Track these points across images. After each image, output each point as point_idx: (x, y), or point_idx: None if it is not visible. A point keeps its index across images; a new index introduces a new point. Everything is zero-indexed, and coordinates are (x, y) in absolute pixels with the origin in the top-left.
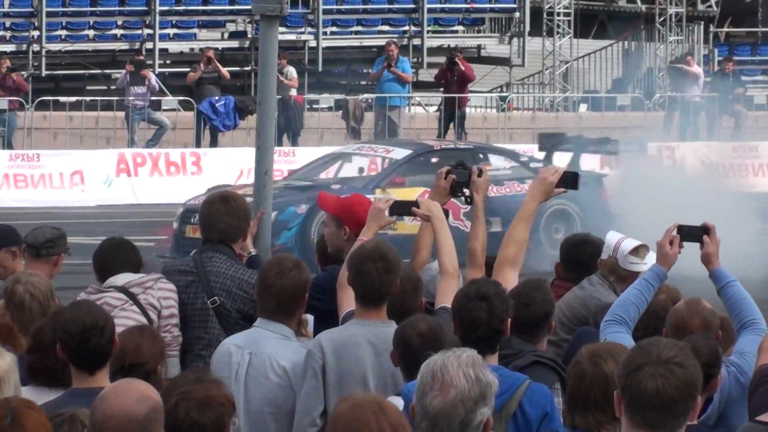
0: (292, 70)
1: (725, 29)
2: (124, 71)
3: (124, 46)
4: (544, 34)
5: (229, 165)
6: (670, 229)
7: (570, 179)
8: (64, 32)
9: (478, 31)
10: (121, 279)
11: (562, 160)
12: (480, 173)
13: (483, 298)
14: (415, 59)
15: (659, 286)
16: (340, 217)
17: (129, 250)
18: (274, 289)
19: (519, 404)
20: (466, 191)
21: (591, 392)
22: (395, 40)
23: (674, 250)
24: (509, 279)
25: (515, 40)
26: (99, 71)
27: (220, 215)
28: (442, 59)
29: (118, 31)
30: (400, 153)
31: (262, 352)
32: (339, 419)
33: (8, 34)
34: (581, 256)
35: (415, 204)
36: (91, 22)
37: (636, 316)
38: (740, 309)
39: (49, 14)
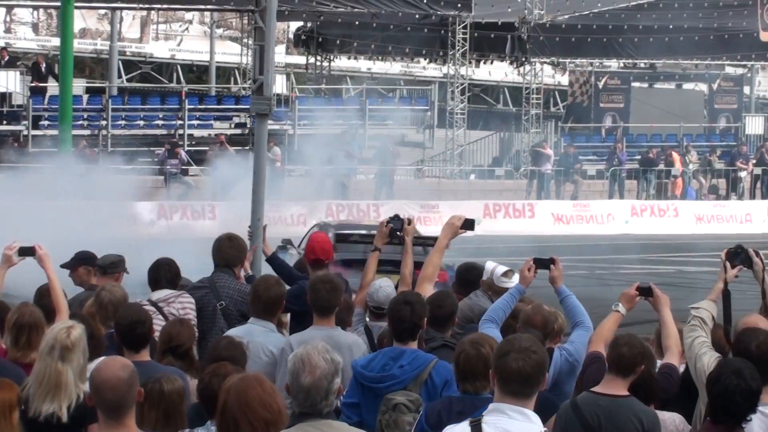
0: (277, 149)
1: (569, 124)
2: (163, 149)
3: (163, 131)
4: (447, 126)
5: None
6: (528, 260)
7: (469, 224)
8: (123, 122)
9: (403, 125)
10: (157, 294)
11: None
12: (409, 222)
13: (408, 303)
14: (361, 143)
15: (519, 297)
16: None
17: (166, 269)
18: (263, 298)
19: (429, 374)
20: (400, 234)
21: (475, 367)
22: (347, 129)
23: (530, 275)
24: (427, 290)
25: (428, 130)
26: (146, 149)
27: (226, 248)
28: (378, 143)
29: (160, 122)
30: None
31: (255, 341)
32: (231, 388)
33: (86, 123)
34: (470, 277)
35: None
36: (142, 115)
37: (503, 317)
38: (573, 313)
39: (114, 110)
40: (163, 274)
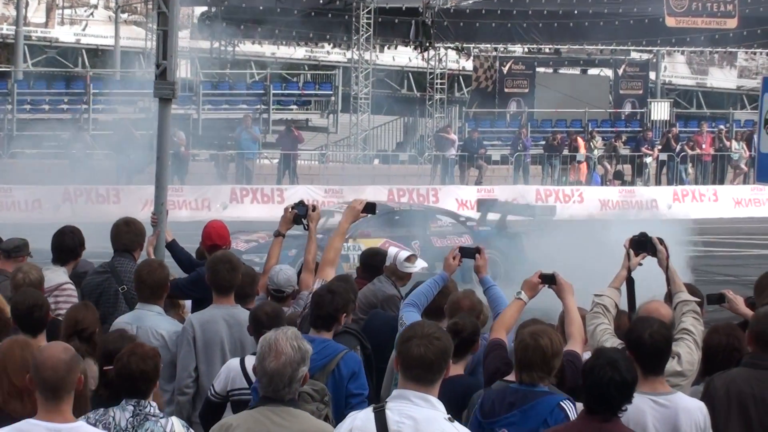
0: (181, 133)
1: (473, 109)
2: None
3: (68, 116)
4: (351, 111)
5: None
6: (454, 249)
7: (370, 207)
8: (28, 106)
9: (307, 109)
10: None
11: (493, 218)
12: (314, 209)
13: (331, 292)
14: (264, 127)
15: (443, 284)
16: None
17: (71, 236)
18: (148, 282)
19: (336, 365)
20: (305, 221)
21: (533, 358)
22: (250, 113)
23: (455, 263)
24: (329, 274)
25: (332, 115)
26: (51, 132)
27: (123, 233)
28: (282, 128)
29: (65, 106)
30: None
31: (145, 325)
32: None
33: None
34: (374, 263)
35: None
36: (47, 99)
37: (426, 303)
38: (497, 304)
39: (19, 94)
40: (68, 241)
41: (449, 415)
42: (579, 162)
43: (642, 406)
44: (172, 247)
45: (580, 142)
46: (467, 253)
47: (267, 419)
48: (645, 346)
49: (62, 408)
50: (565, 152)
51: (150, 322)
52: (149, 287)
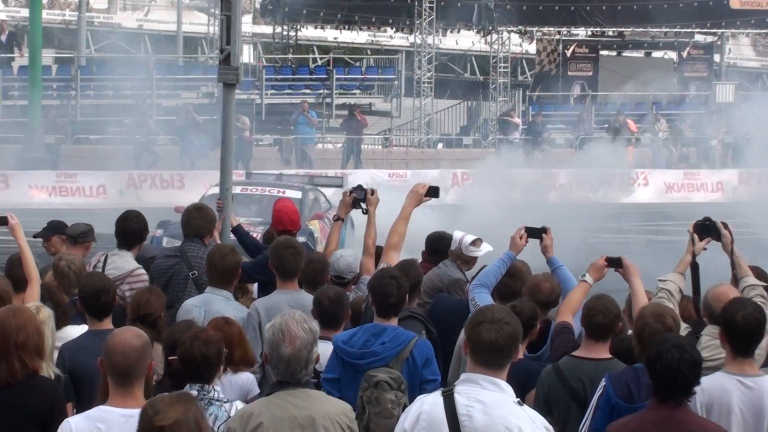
0: (245, 118)
1: (536, 93)
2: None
3: (131, 101)
4: (414, 95)
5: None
6: (520, 228)
7: (433, 191)
8: (92, 92)
9: (370, 94)
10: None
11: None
12: (372, 192)
13: (393, 278)
14: (328, 112)
15: (510, 263)
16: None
17: (135, 221)
18: (218, 266)
19: (410, 352)
20: (363, 205)
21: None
22: (310, 100)
23: (522, 242)
24: (393, 259)
25: (394, 99)
26: (115, 118)
27: (195, 218)
28: (345, 112)
29: (128, 92)
30: (294, 194)
31: (212, 309)
32: None
33: (55, 93)
34: (439, 247)
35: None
36: (110, 85)
37: (494, 283)
38: (566, 284)
39: (82, 80)
40: (133, 226)
41: (518, 399)
42: (629, 144)
43: (728, 386)
44: (238, 231)
45: (631, 124)
46: (534, 233)
47: (287, 403)
48: (737, 327)
49: (134, 393)
50: (630, 135)
51: (217, 307)
52: (219, 272)
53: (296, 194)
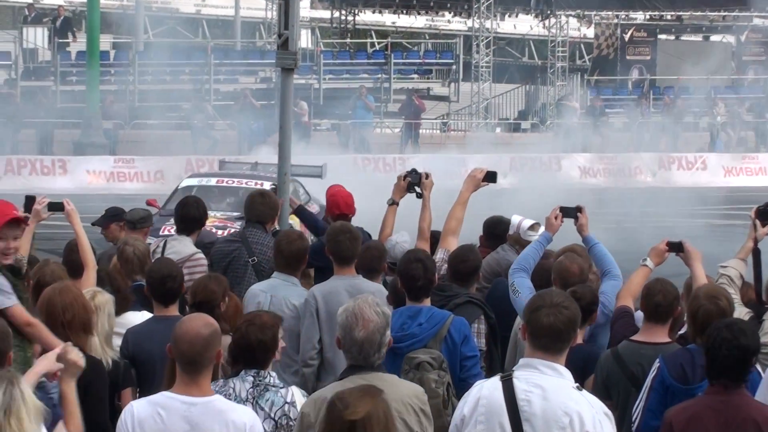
0: (303, 103)
1: (595, 77)
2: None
3: (190, 86)
4: (472, 79)
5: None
6: (555, 209)
7: (491, 176)
8: (149, 78)
9: (428, 78)
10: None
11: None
12: (427, 176)
13: (419, 260)
14: (385, 97)
15: (547, 244)
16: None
17: (195, 207)
18: (285, 252)
19: (448, 331)
20: (418, 189)
21: (711, 321)
22: (368, 84)
23: (557, 222)
24: (451, 244)
25: (452, 84)
26: (173, 103)
27: (258, 204)
28: (403, 97)
29: (186, 77)
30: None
31: (279, 295)
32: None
33: (113, 78)
34: (497, 231)
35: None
36: (168, 70)
37: (533, 265)
38: (602, 262)
39: (140, 65)
40: (192, 211)
41: (577, 384)
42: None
43: None
44: (301, 212)
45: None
46: (568, 212)
47: None
48: None
49: (199, 381)
50: (688, 119)
51: (284, 292)
52: (286, 257)
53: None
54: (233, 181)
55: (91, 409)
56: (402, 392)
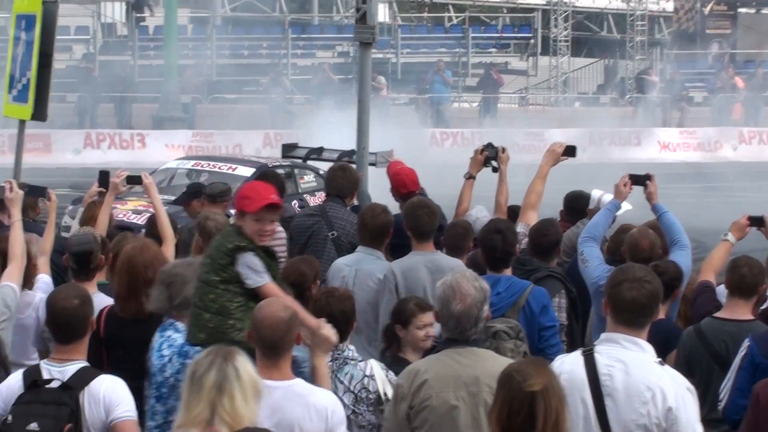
0: (381, 78)
1: (674, 51)
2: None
3: (267, 61)
4: (551, 54)
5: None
6: (624, 176)
7: (570, 150)
8: (227, 52)
9: (506, 52)
10: None
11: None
12: (503, 150)
13: (498, 231)
14: (463, 71)
15: (616, 212)
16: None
17: (273, 180)
18: (370, 226)
19: (526, 300)
20: (494, 163)
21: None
22: (446, 59)
23: (626, 189)
24: (531, 218)
25: (531, 58)
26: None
27: (338, 178)
28: (481, 71)
29: (264, 51)
30: (245, 171)
31: (364, 269)
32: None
33: (190, 53)
34: (577, 206)
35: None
36: (246, 45)
37: (602, 233)
38: (670, 231)
39: (218, 39)
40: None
41: (659, 359)
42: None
43: None
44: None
45: (738, 80)
46: (638, 180)
47: (454, 361)
48: None
49: (280, 365)
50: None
51: (369, 266)
52: (370, 231)
53: (247, 171)
54: (209, 165)
55: None
56: (495, 368)
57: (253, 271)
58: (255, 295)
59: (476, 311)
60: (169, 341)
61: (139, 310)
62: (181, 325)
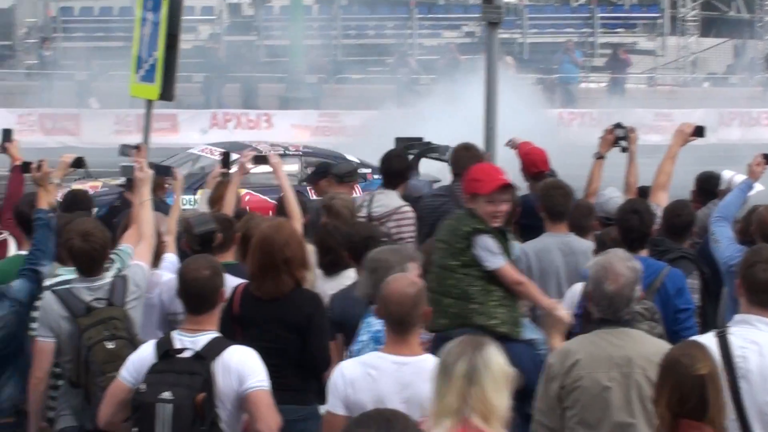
0: (509, 58)
1: None
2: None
3: (393, 41)
4: (678, 33)
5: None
6: (758, 156)
7: (699, 130)
8: (353, 32)
9: (633, 32)
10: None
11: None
12: (632, 131)
13: (636, 212)
14: (590, 51)
15: (749, 191)
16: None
17: (397, 160)
18: None
19: (662, 282)
20: (623, 143)
21: None
22: (574, 39)
23: (759, 169)
24: (662, 199)
25: (658, 38)
26: (377, 58)
27: (463, 157)
28: (608, 51)
29: (389, 31)
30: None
31: None
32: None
33: (316, 33)
34: (708, 187)
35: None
36: (372, 25)
37: (734, 213)
38: None
39: (344, 19)
40: (395, 165)
41: None
42: None
43: None
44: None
45: None
46: None
47: (606, 342)
48: None
49: (409, 340)
50: None
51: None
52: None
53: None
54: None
55: (314, 340)
56: (647, 349)
57: (490, 253)
58: (493, 278)
59: (629, 291)
60: (368, 326)
61: (276, 288)
62: None
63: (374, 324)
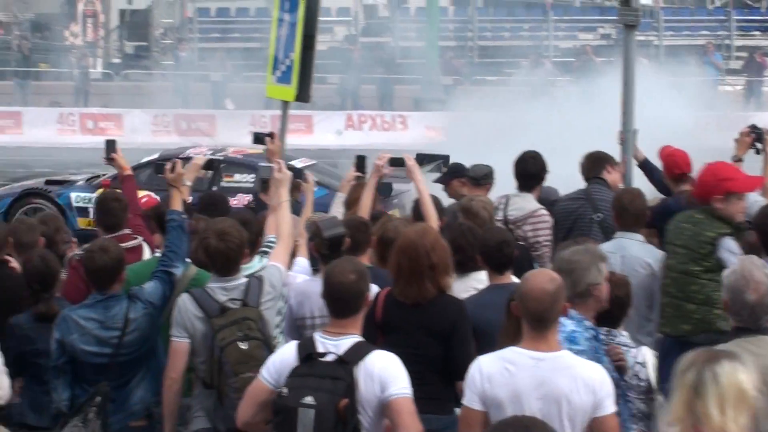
0: (644, 60)
1: None
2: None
3: (529, 43)
4: None
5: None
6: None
7: None
8: (489, 34)
9: None
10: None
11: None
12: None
13: None
14: (727, 54)
15: None
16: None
17: (532, 162)
18: (630, 209)
19: None
20: (758, 145)
21: None
22: (712, 41)
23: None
24: None
25: None
26: (512, 59)
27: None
28: (745, 54)
29: (525, 33)
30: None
31: (629, 254)
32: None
33: (452, 35)
34: None
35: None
36: (508, 27)
37: None
38: None
39: (480, 21)
40: (530, 167)
41: None
42: None
43: None
44: (646, 165)
45: None
46: None
47: (745, 350)
48: None
49: (547, 336)
50: None
51: (634, 251)
52: (631, 215)
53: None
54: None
55: (458, 347)
56: None
57: (734, 255)
58: None
59: None
60: (563, 326)
61: (420, 294)
62: (574, 312)
63: (567, 325)
